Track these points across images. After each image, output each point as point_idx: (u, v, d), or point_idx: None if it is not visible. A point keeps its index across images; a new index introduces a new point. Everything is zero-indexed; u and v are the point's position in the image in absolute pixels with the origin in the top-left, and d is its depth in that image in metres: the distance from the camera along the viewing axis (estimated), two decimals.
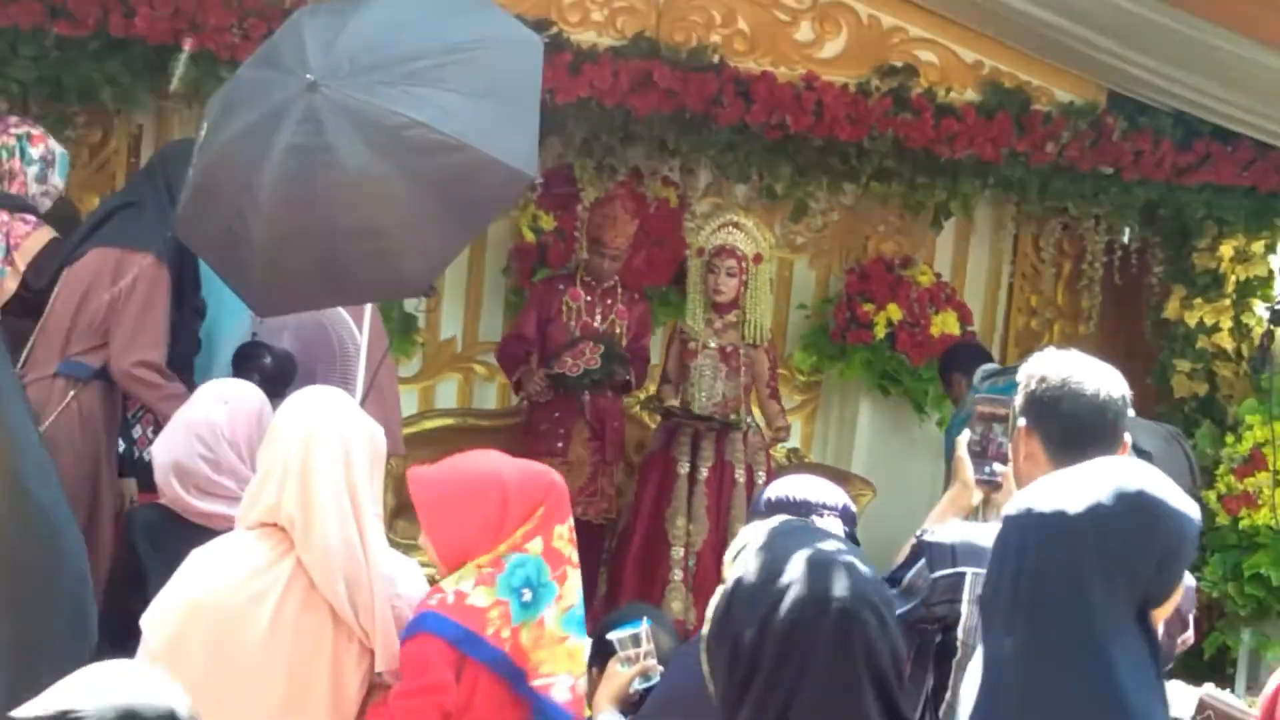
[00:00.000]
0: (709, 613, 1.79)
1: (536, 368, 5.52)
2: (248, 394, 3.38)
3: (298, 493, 2.71)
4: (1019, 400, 2.73)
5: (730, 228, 5.63)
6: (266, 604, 2.67)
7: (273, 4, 5.25)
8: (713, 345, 5.61)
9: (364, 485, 2.84)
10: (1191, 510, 1.97)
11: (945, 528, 2.70)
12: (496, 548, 2.71)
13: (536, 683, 2.69)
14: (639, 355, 5.73)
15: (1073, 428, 2.62)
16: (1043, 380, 2.67)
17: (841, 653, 1.65)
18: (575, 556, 2.83)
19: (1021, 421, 2.70)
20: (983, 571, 2.55)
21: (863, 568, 1.76)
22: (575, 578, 2.80)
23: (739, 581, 1.73)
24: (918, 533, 2.75)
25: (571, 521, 2.83)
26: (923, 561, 2.62)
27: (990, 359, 5.76)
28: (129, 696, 1.68)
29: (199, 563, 2.73)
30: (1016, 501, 2.07)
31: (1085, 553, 1.91)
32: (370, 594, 2.74)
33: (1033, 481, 2.65)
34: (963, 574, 2.58)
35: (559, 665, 2.72)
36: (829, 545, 1.76)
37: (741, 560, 1.76)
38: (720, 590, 1.77)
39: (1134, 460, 2.09)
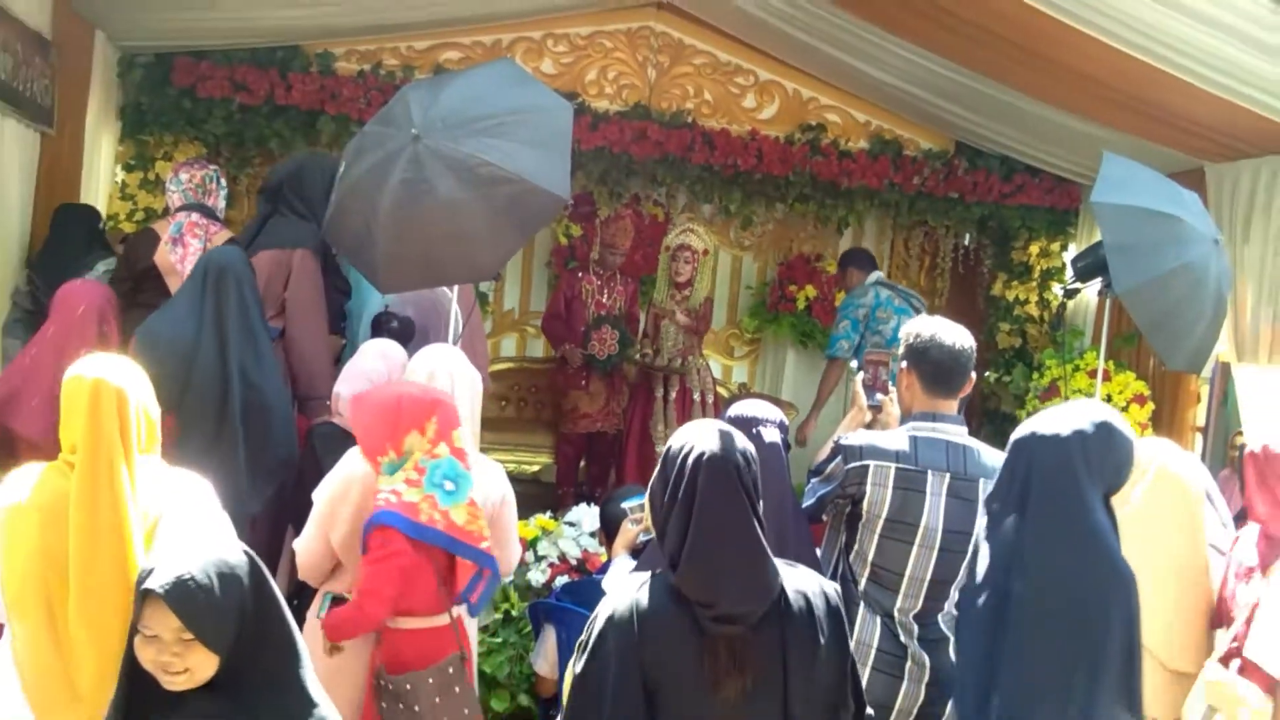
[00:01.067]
0: (656, 470, 1.92)
1: (574, 347, 5.43)
2: (397, 351, 3.42)
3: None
4: (902, 349, 2.77)
5: (688, 231, 5.62)
6: None
7: (388, 81, 5.22)
8: (676, 312, 5.60)
9: (466, 408, 2.83)
10: (1132, 434, 2.17)
11: (855, 434, 2.73)
12: (404, 449, 2.61)
13: (484, 545, 2.63)
14: (632, 319, 5.70)
15: (939, 369, 2.69)
16: (918, 336, 2.73)
17: (723, 478, 1.81)
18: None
19: (904, 364, 2.74)
20: (883, 463, 2.58)
21: (738, 439, 1.89)
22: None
23: (668, 450, 1.89)
24: (835, 438, 2.76)
25: (462, 428, 2.72)
26: (840, 457, 2.65)
27: (877, 268, 5.65)
28: (220, 553, 1.71)
29: (352, 457, 2.74)
30: (1021, 428, 2.21)
31: (1076, 460, 2.09)
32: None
33: (911, 405, 2.75)
34: (868, 465, 2.61)
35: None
36: (718, 428, 1.91)
37: (671, 439, 1.92)
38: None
39: (1101, 403, 2.21)
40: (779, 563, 1.86)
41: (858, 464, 2.62)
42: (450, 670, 2.61)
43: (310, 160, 4.29)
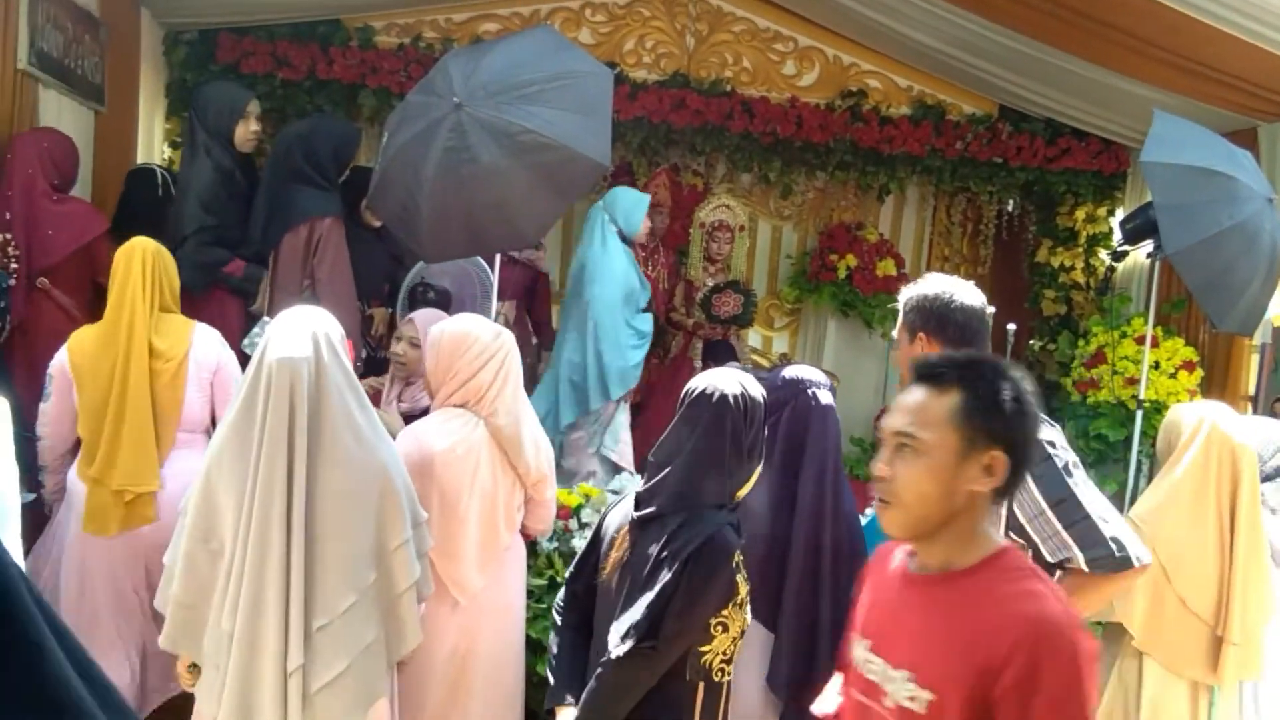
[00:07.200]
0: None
1: None
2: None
3: (511, 387, 2.78)
4: (909, 314, 2.38)
5: (724, 208, 5.57)
6: (470, 456, 2.73)
7: (427, 53, 5.24)
8: (709, 284, 5.57)
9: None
10: None
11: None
12: None
13: None
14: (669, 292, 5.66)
15: (965, 331, 2.32)
16: (934, 297, 2.35)
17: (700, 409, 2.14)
18: None
19: (920, 333, 2.35)
20: None
21: (748, 386, 2.18)
22: None
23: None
24: None
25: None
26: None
27: (736, 358, 5.33)
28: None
29: (422, 432, 2.76)
30: None
31: None
32: (531, 444, 2.82)
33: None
34: None
35: None
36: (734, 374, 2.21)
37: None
38: None
39: None
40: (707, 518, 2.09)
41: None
42: None
43: (319, 124, 4.30)
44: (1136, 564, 2.10)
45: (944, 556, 1.52)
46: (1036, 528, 2.17)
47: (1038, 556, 2.17)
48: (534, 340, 5.13)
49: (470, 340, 2.74)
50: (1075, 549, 2.12)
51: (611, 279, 4.48)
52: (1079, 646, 1.38)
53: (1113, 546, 2.10)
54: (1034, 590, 1.44)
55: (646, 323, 4.66)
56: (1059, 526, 2.13)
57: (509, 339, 2.80)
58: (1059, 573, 2.18)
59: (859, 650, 1.63)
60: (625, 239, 4.60)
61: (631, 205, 4.60)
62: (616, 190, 4.72)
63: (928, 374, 1.54)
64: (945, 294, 2.32)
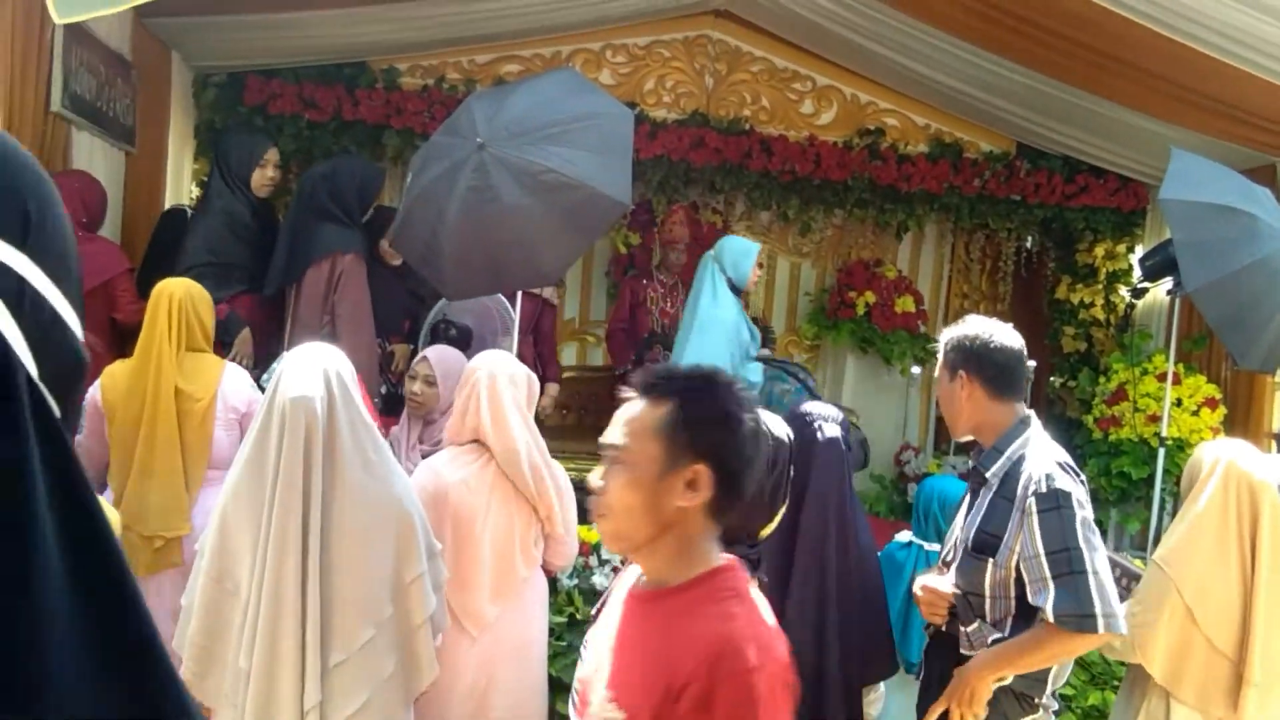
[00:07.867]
0: None
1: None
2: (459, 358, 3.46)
3: (490, 415, 2.76)
4: (949, 354, 2.42)
5: None
6: (482, 488, 2.75)
7: (450, 95, 5.32)
8: None
9: (528, 408, 2.86)
10: None
11: (1063, 478, 2.41)
12: None
13: None
14: None
15: (1004, 371, 2.37)
16: (973, 337, 2.38)
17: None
18: None
19: (960, 372, 2.38)
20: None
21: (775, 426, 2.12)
22: None
23: None
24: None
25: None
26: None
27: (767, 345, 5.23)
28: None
29: (438, 465, 2.80)
30: None
31: None
32: (545, 479, 2.82)
33: (972, 416, 2.38)
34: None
35: None
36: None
37: None
38: None
39: None
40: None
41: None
42: None
43: (343, 164, 4.39)
44: (1101, 630, 2.11)
45: (659, 573, 1.47)
46: (1028, 568, 2.21)
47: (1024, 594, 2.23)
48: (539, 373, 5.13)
49: (453, 375, 2.81)
50: (1051, 598, 2.14)
51: (720, 330, 4.40)
52: (758, 671, 1.32)
53: (1082, 607, 2.11)
54: (728, 611, 1.39)
55: (756, 373, 4.56)
56: (1048, 574, 2.16)
57: (484, 372, 2.80)
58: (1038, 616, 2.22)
59: (586, 667, 1.56)
60: (735, 288, 4.51)
61: (740, 254, 4.50)
62: (724, 240, 4.67)
63: (646, 387, 1.49)
64: (984, 334, 2.37)
